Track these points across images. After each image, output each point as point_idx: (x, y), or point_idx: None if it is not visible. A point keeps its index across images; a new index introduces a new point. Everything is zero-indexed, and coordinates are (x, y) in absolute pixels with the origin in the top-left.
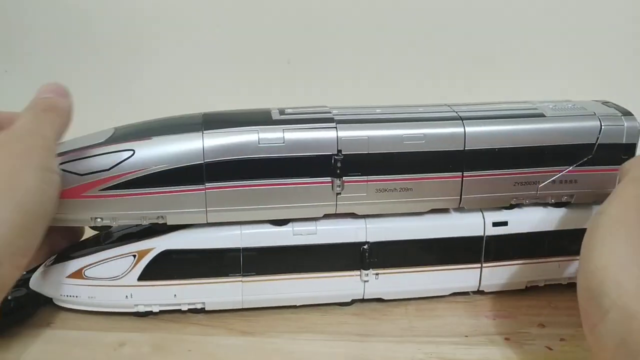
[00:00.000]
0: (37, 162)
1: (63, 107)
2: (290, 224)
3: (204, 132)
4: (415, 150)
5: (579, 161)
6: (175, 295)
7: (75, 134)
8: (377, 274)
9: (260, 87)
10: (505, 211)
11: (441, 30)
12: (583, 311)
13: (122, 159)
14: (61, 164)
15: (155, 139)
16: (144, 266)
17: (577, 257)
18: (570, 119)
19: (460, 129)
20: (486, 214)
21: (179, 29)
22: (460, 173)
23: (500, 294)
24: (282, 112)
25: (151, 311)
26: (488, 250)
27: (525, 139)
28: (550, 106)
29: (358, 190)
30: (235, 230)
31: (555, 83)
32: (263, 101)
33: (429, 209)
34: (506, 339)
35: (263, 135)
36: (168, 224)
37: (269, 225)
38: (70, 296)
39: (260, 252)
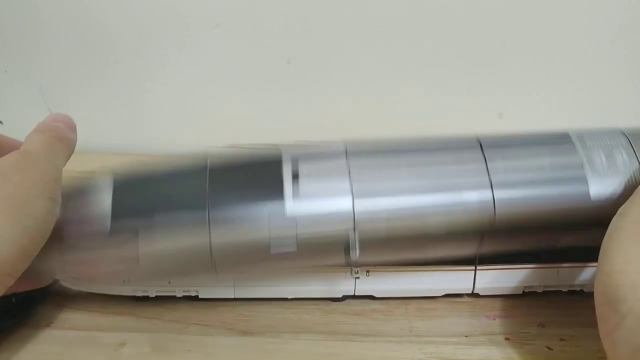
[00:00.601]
0: (48, 193)
1: (72, 141)
2: None
3: (211, 231)
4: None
5: None
6: (169, 281)
7: (80, 132)
8: (368, 271)
9: (260, 87)
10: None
11: (445, 30)
12: (599, 316)
13: (125, 238)
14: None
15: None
16: None
17: (577, 264)
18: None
19: (488, 200)
20: None
21: (177, 28)
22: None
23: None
24: (296, 191)
25: (148, 296)
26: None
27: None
28: (599, 160)
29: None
30: None
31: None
32: (263, 101)
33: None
34: (506, 338)
35: (274, 239)
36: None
37: None
38: (72, 277)
39: None
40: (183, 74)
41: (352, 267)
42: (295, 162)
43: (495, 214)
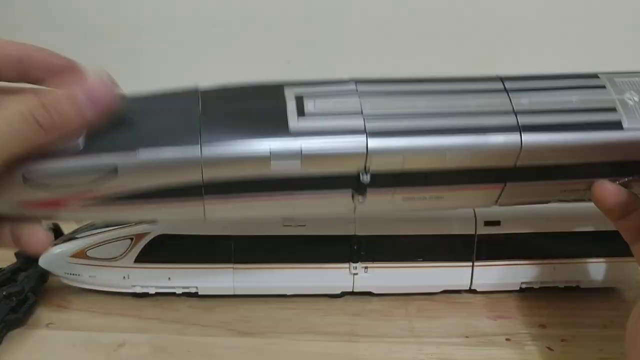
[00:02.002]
0: None
1: (68, 122)
2: None
3: (202, 145)
4: (457, 167)
5: None
6: (169, 278)
7: None
8: (366, 268)
9: None
10: (498, 210)
11: (445, 30)
12: None
13: (103, 176)
14: (30, 175)
15: (141, 152)
16: (140, 249)
17: (573, 260)
18: None
19: (515, 140)
20: (478, 212)
21: (178, 28)
22: (503, 184)
23: (500, 295)
24: (300, 111)
25: (147, 292)
26: (480, 249)
27: (590, 155)
28: (630, 102)
29: (382, 199)
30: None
31: None
32: None
33: (458, 208)
34: (507, 339)
35: (275, 154)
36: (160, 223)
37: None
38: (73, 274)
39: (250, 241)
40: (183, 73)
41: (358, 196)
42: (299, 86)
43: (521, 147)
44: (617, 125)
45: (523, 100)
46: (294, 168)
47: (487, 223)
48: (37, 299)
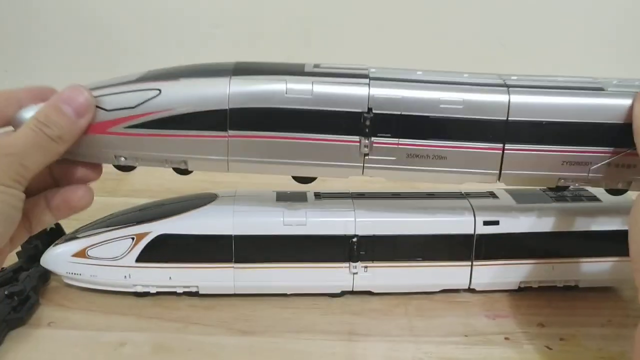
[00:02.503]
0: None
1: (68, 131)
2: (280, 214)
3: (232, 77)
4: (452, 116)
5: None
6: (170, 277)
7: None
8: (366, 267)
9: None
10: (497, 210)
11: (445, 31)
12: (636, 273)
13: (148, 97)
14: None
15: (182, 80)
16: (141, 249)
17: (571, 260)
18: (633, 95)
19: (504, 97)
20: (477, 212)
21: (178, 28)
22: (501, 145)
23: (499, 294)
24: (316, 65)
25: (148, 292)
26: (478, 248)
27: (578, 114)
28: (614, 82)
29: (387, 153)
30: (228, 218)
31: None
32: None
33: (464, 182)
34: (506, 338)
35: (291, 86)
36: (189, 169)
37: (259, 214)
38: (74, 274)
39: (251, 240)
40: None
41: (365, 140)
42: (317, 63)
43: (509, 102)
44: (599, 89)
45: (513, 77)
46: (306, 98)
47: (486, 223)
48: (39, 299)
